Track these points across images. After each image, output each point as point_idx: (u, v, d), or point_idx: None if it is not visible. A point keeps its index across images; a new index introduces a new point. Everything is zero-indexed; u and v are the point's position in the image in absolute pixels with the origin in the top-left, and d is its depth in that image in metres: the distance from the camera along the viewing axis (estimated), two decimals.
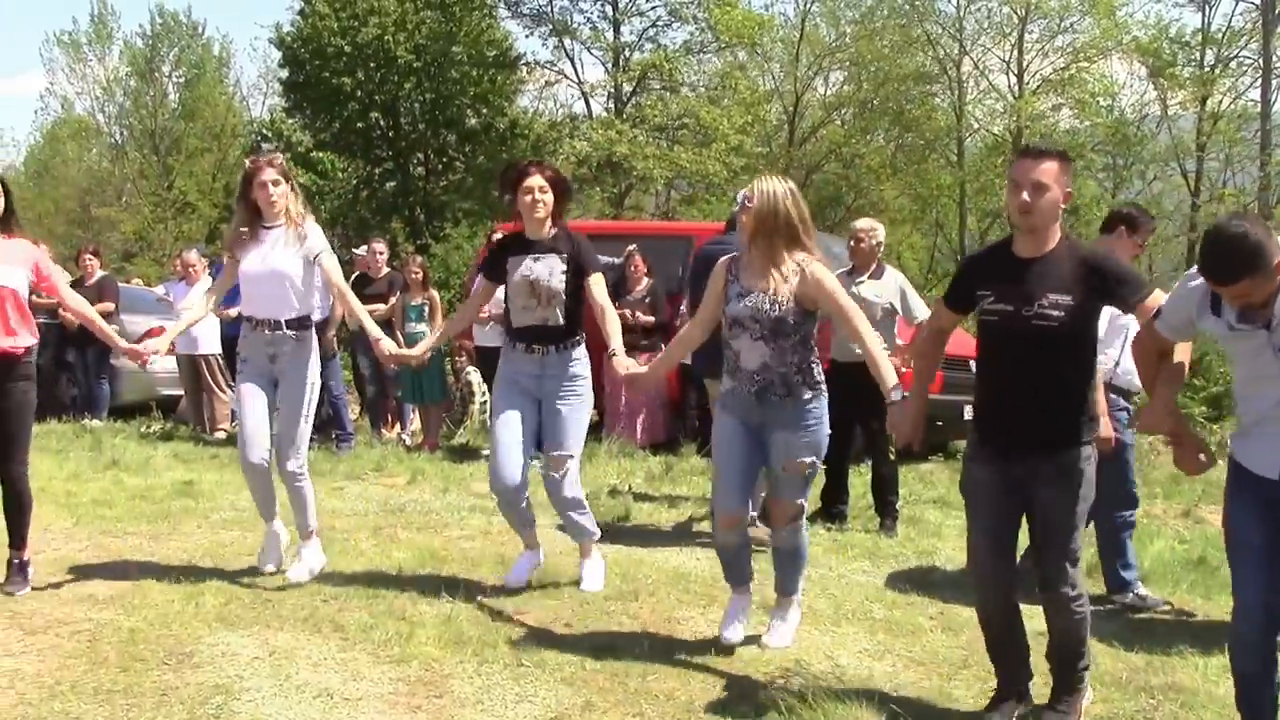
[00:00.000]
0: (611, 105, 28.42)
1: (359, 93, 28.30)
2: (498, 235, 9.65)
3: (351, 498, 7.54)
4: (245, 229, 5.31)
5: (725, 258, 4.59)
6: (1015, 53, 28.53)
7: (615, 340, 5.01)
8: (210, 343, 10.31)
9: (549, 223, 5.18)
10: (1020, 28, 28.13)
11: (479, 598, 5.25)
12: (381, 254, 10.39)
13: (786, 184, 4.37)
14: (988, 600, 3.99)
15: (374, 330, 5.38)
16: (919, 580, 5.83)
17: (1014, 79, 28.88)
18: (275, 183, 5.19)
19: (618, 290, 9.37)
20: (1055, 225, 3.69)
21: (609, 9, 28.36)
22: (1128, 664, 4.67)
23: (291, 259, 5.24)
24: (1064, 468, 3.75)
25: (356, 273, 10.52)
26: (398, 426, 10.72)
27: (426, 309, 9.74)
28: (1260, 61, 24.15)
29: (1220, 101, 26.27)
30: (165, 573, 5.49)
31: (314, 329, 5.43)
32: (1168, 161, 27.88)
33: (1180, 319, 3.54)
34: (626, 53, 28.03)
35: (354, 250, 12.03)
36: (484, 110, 29.66)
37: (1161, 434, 3.75)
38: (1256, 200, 23.35)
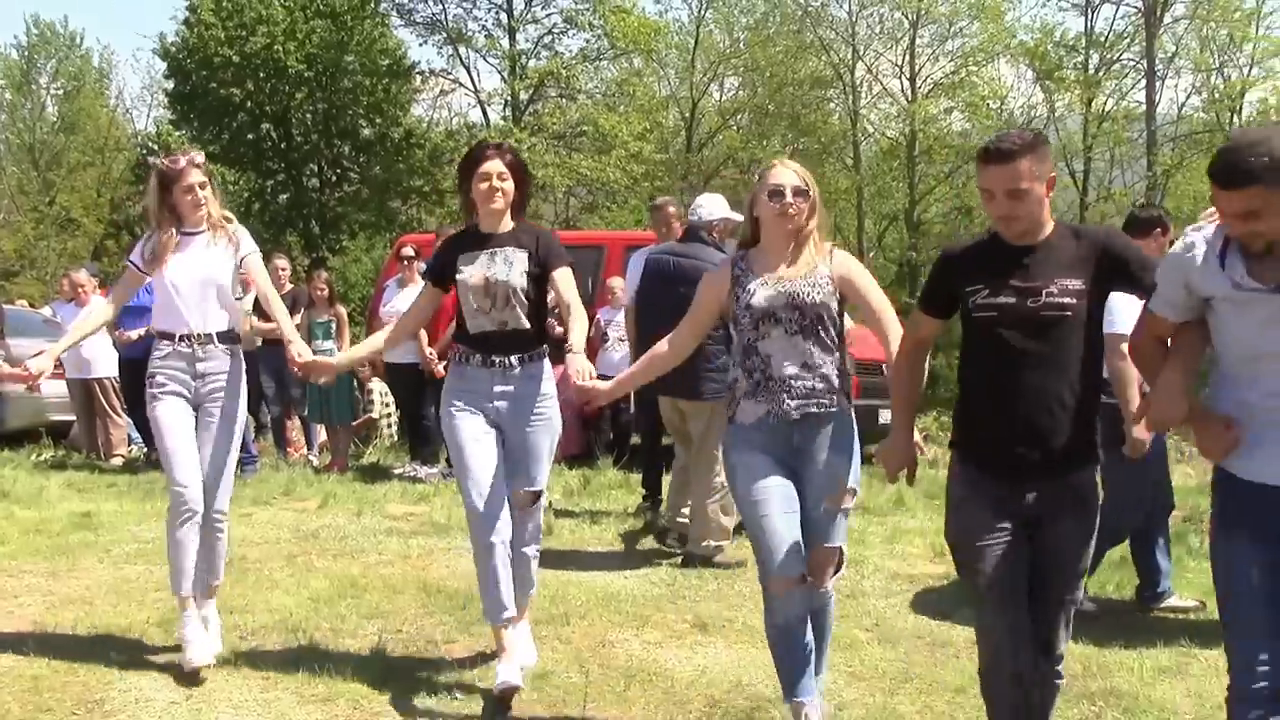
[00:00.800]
0: (509, 113, 28.22)
1: (249, 104, 27.76)
2: (406, 249, 9.52)
3: (261, 524, 7.25)
4: (168, 235, 4.66)
5: (728, 256, 4.00)
6: (908, 57, 28.95)
7: (578, 337, 4.19)
8: (105, 365, 9.89)
9: (508, 214, 4.48)
10: (911, 33, 28.58)
11: (403, 628, 5.06)
12: (284, 270, 10.07)
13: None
14: (1019, 663, 3.23)
15: (291, 334, 4.76)
16: (849, 591, 5.75)
17: (907, 83, 29.30)
18: (201, 185, 4.66)
19: None
20: (1044, 214, 3.22)
21: (504, 17, 28.19)
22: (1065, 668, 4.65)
23: (222, 265, 4.69)
24: (1080, 492, 3.27)
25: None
26: (304, 448, 10.40)
27: (334, 326, 9.44)
28: (1144, 64, 24.80)
29: (1105, 103, 26.97)
30: (67, 613, 5.19)
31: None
32: (1055, 162, 28.49)
33: (1177, 292, 2.98)
34: (523, 60, 27.84)
35: None
36: (378, 120, 29.30)
37: (1175, 425, 3.11)
38: (1144, 199, 23.96)
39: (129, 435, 10.43)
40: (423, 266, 9.55)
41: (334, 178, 30.68)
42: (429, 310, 4.82)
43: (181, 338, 4.64)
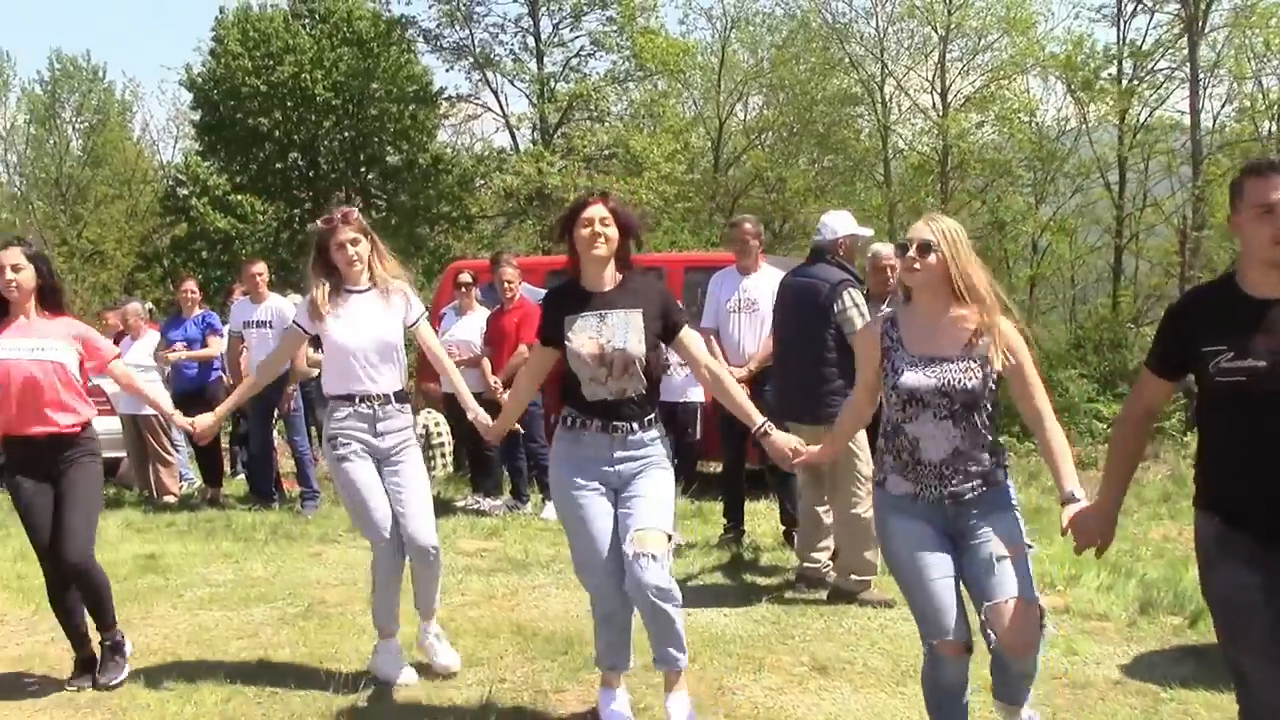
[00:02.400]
0: (537, 137, 28.04)
1: (276, 133, 27.66)
2: (464, 276, 9.26)
3: (334, 564, 6.98)
4: (326, 297, 4.64)
5: (877, 319, 3.74)
6: (938, 72, 28.67)
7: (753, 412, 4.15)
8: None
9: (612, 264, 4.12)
10: (941, 47, 28.28)
11: (506, 677, 4.78)
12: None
13: (955, 222, 3.58)
14: None
15: (469, 401, 4.89)
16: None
17: (938, 98, 29.01)
18: (354, 241, 4.61)
19: None
20: None
21: (531, 40, 28.06)
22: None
23: (392, 325, 4.68)
24: None
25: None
26: None
27: None
28: (1183, 72, 24.47)
29: (1140, 114, 26.62)
30: (148, 666, 4.93)
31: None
32: (1088, 174, 28.16)
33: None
34: (551, 84, 27.67)
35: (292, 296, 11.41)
36: (405, 147, 29.14)
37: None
38: (1187, 209, 23.62)
39: (180, 473, 10.19)
40: (479, 293, 9.34)
41: (361, 205, 30.51)
42: (546, 367, 4.32)
43: (362, 399, 4.63)
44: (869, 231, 6.60)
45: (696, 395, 8.71)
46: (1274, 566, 2.91)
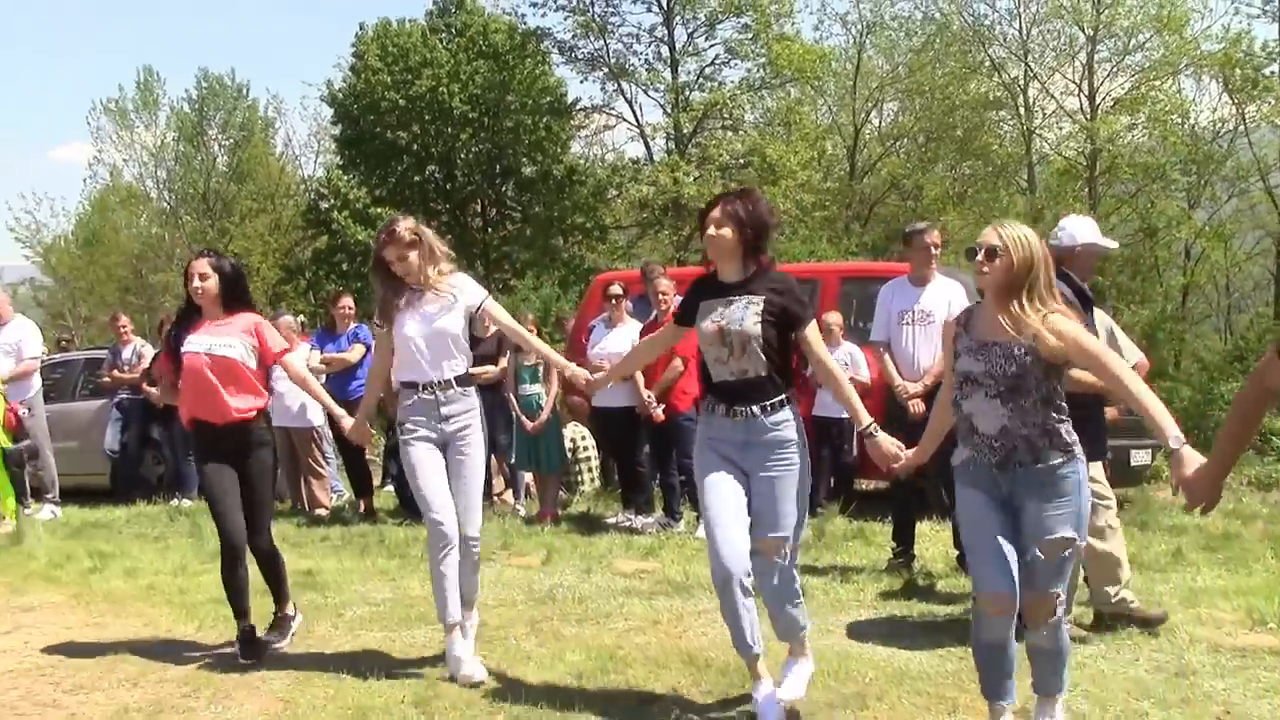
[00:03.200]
0: (671, 146, 27.86)
1: (414, 146, 27.98)
2: (614, 288, 9.05)
3: (490, 583, 6.79)
4: (392, 298, 5.06)
5: (958, 314, 4.11)
6: (1086, 73, 27.71)
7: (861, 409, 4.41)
8: (312, 415, 9.65)
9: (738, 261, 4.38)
10: (1089, 48, 27.34)
11: (687, 713, 4.51)
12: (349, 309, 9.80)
13: (1031, 230, 3.86)
14: None
15: (561, 363, 5.49)
16: (1176, 668, 4.99)
17: (1085, 100, 28.04)
18: (401, 258, 4.98)
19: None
20: None
21: (664, 49, 27.91)
22: None
23: (451, 318, 5.05)
24: None
25: None
26: (509, 495, 10.01)
27: (541, 369, 9.02)
28: None
29: None
30: (316, 690, 4.79)
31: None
32: (1247, 177, 26.92)
33: None
34: (685, 93, 27.45)
35: None
36: (540, 158, 29.22)
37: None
38: None
39: (330, 485, 10.19)
40: (630, 305, 9.13)
41: (497, 217, 30.77)
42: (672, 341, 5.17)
43: (424, 386, 5.03)
44: (1113, 244, 5.97)
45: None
46: None
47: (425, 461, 5.02)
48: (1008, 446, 3.82)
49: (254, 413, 5.38)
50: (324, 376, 9.58)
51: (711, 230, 4.36)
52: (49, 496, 9.95)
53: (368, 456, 10.03)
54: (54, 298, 39.84)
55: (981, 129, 29.36)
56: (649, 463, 8.90)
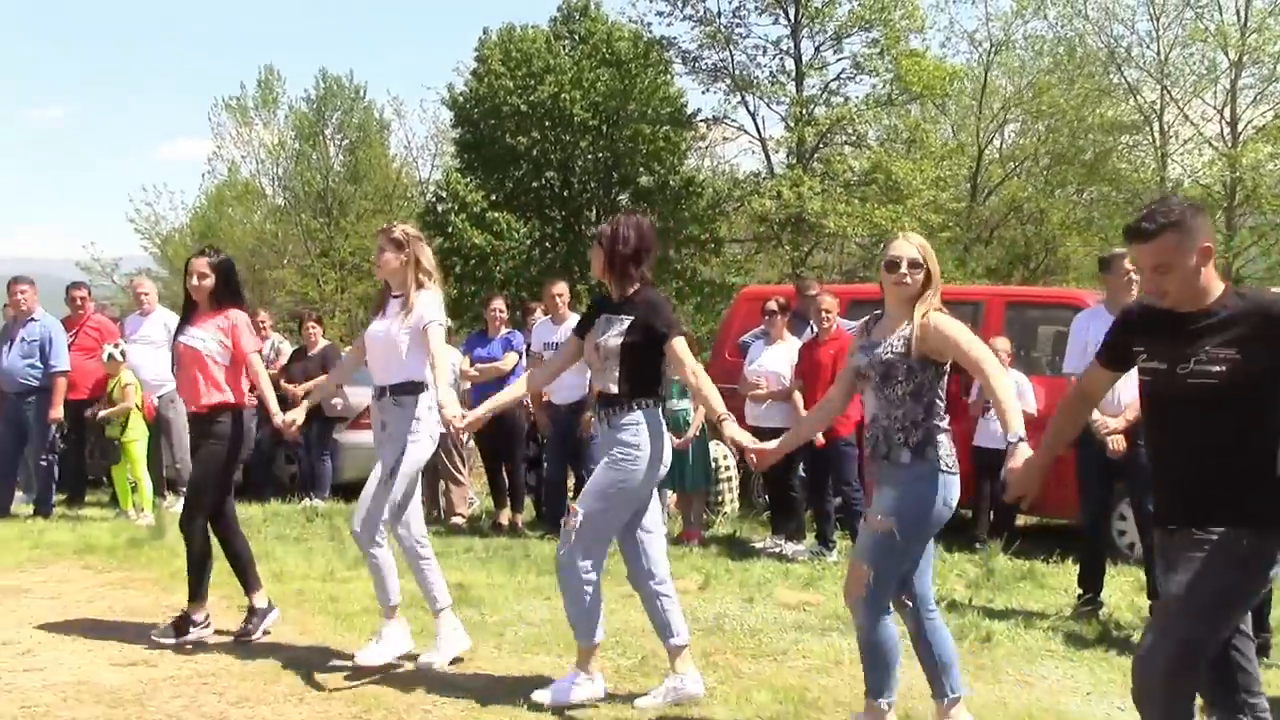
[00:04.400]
0: (792, 160, 27.41)
1: (534, 151, 27.91)
2: (772, 304, 8.69)
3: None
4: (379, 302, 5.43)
5: (865, 319, 4.44)
6: (1228, 99, 26.70)
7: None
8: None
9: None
10: (1233, 73, 26.34)
11: None
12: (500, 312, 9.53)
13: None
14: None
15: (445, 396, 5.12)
16: None
17: (1226, 127, 27.02)
18: (380, 250, 5.28)
19: None
20: (1200, 284, 3.28)
21: (789, 63, 27.49)
22: None
23: (397, 326, 5.22)
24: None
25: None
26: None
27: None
28: None
29: None
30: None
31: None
32: None
33: None
34: (809, 107, 26.99)
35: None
36: (657, 168, 28.99)
37: None
38: None
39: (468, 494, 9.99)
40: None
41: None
42: None
43: (375, 389, 5.31)
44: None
45: None
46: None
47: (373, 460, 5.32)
48: (874, 435, 4.19)
49: (209, 407, 5.69)
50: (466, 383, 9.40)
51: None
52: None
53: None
54: (169, 289, 40.67)
55: (1111, 153, 28.47)
56: (801, 487, 8.54)
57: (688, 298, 28.34)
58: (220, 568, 7.16)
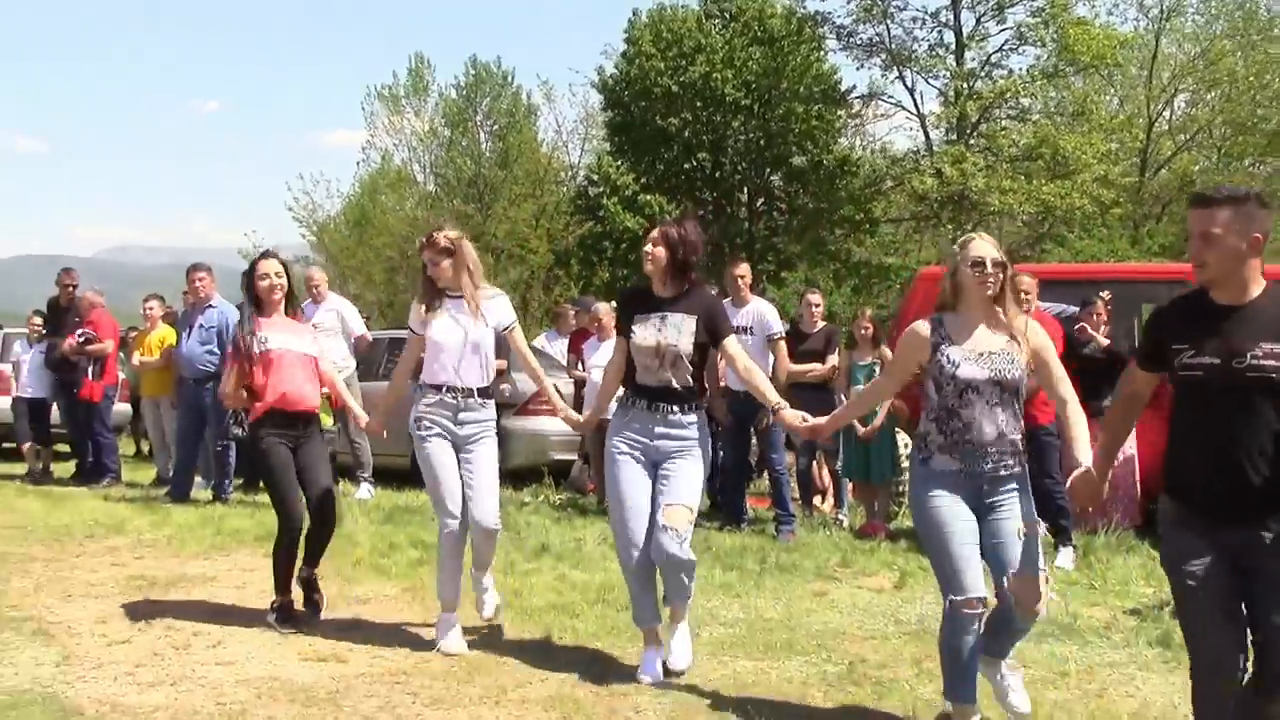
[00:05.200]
0: (951, 137, 26.49)
1: (686, 133, 27.58)
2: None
3: (846, 608, 6.13)
4: (430, 300, 5.38)
5: (924, 321, 4.28)
6: None
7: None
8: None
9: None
10: None
11: None
12: (817, 306, 9.07)
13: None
14: (1224, 683, 3.42)
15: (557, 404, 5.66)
16: None
17: None
18: (434, 263, 5.30)
19: None
20: (1244, 272, 3.36)
21: (947, 35, 26.57)
22: None
23: (479, 329, 5.33)
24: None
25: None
26: (830, 502, 9.34)
27: (878, 368, 8.27)
28: None
29: None
30: None
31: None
32: None
33: None
34: (969, 81, 26.02)
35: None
36: (810, 147, 28.37)
37: None
38: None
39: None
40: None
41: (763, 207, 30.12)
42: None
43: (447, 389, 5.32)
44: None
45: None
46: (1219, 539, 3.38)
47: (441, 461, 5.31)
48: (1000, 453, 4.08)
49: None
50: None
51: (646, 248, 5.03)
52: (364, 476, 9.87)
53: None
54: (327, 274, 41.41)
55: None
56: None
57: (845, 280, 27.71)
58: (402, 558, 7.12)
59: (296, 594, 5.82)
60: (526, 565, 7.04)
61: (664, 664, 4.85)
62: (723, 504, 8.96)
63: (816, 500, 9.43)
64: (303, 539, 5.79)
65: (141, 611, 5.93)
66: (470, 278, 5.34)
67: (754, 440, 9.06)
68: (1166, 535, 3.56)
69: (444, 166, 37.95)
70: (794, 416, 4.83)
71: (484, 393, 5.38)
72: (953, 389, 4.08)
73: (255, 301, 5.86)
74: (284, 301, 5.91)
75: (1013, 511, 4.05)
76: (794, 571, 6.96)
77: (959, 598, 3.98)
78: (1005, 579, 4.05)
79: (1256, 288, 3.36)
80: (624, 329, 5.03)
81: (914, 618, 5.93)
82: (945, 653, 4.10)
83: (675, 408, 4.90)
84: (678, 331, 4.86)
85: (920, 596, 6.39)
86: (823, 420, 4.81)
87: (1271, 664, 3.30)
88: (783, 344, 8.34)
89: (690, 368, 4.90)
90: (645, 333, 4.89)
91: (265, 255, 6.00)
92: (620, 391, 5.08)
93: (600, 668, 5.01)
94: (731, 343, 5.03)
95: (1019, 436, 4.10)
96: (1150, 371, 3.64)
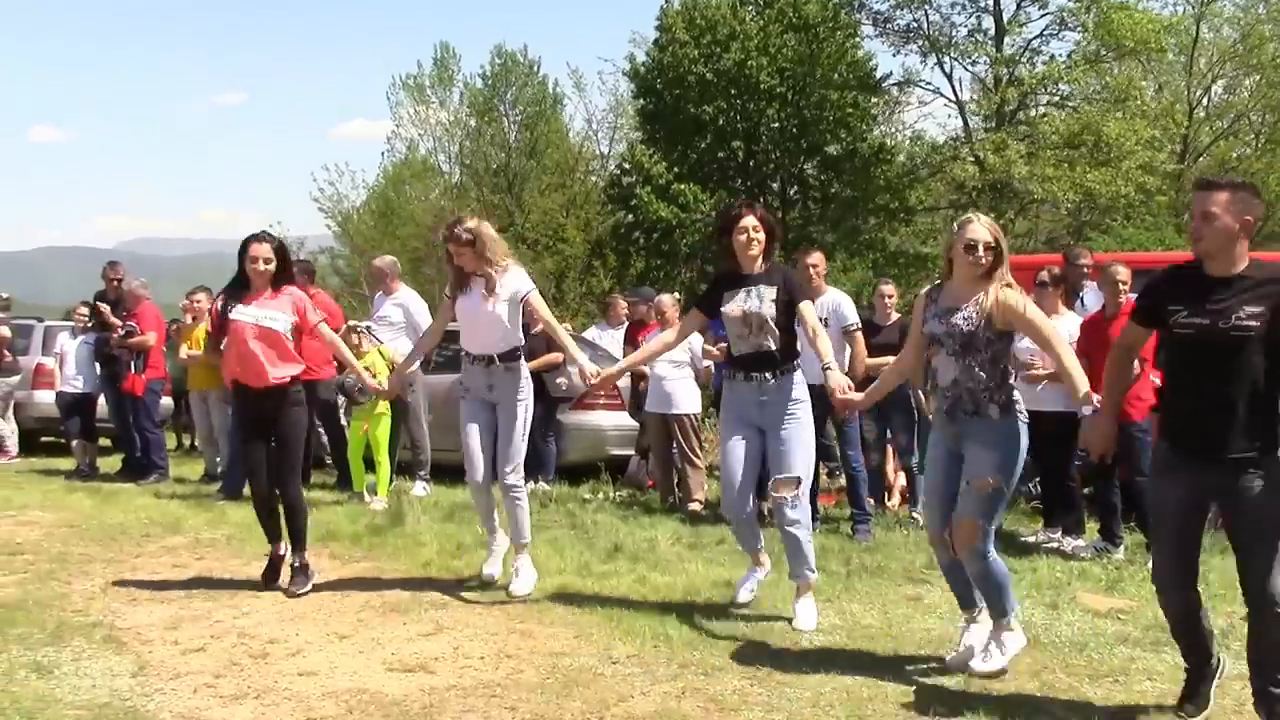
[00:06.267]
0: (990, 125, 26.10)
1: (720, 121, 27.26)
2: (1045, 273, 7.93)
3: (945, 614, 5.82)
4: (459, 278, 5.96)
5: (925, 288, 5.03)
6: None
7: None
8: (688, 401, 8.95)
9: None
10: None
11: None
12: (890, 298, 8.79)
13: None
14: (1171, 603, 4.23)
15: (575, 352, 6.07)
16: None
17: None
18: (459, 254, 5.85)
19: None
20: (1238, 250, 3.91)
21: (986, 20, 26.14)
22: None
23: (496, 303, 5.89)
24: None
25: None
26: (896, 499, 9.06)
27: None
28: None
29: None
30: None
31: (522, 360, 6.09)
32: None
33: None
34: (1009, 67, 25.61)
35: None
36: (845, 135, 28.01)
37: None
38: None
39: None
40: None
41: (797, 195, 29.76)
42: None
43: (475, 358, 6.04)
44: None
45: None
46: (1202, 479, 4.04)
47: (470, 418, 6.05)
48: (957, 397, 4.68)
49: (289, 378, 6.15)
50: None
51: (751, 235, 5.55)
52: (421, 474, 9.64)
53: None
54: (351, 266, 41.18)
55: None
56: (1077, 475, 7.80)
57: (883, 269, 27.34)
58: (475, 559, 6.86)
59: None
60: (601, 567, 6.79)
61: (795, 624, 5.47)
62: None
63: (888, 499, 9.15)
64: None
65: (211, 616, 5.73)
66: (491, 261, 5.88)
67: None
68: (1155, 474, 4.27)
69: (470, 156, 37.73)
70: (841, 380, 5.26)
71: (510, 355, 5.99)
72: (926, 343, 4.77)
73: (243, 280, 6.14)
74: (274, 279, 6.16)
75: (974, 460, 4.61)
76: (881, 574, 6.69)
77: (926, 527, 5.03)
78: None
79: (1242, 263, 3.93)
80: (707, 306, 5.68)
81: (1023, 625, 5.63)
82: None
83: (770, 374, 5.44)
84: (759, 300, 5.42)
85: (1022, 600, 6.06)
86: (859, 395, 5.36)
87: (1250, 587, 3.96)
88: (859, 335, 8.08)
89: (778, 331, 5.41)
90: (734, 304, 5.46)
91: (258, 238, 6.17)
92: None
93: (702, 679, 4.76)
94: (806, 306, 5.48)
95: (980, 386, 4.61)
96: (1146, 327, 4.22)
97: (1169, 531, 4.15)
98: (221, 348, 6.20)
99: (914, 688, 4.66)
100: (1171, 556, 4.16)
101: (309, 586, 6.16)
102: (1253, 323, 3.82)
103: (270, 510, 6.29)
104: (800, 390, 5.50)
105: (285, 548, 6.33)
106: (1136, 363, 7.03)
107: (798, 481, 5.43)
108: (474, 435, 6.04)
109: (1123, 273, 7.22)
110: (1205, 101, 30.20)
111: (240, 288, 6.17)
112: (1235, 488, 3.91)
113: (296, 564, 6.26)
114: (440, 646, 5.25)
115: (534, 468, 10.07)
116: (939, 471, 4.81)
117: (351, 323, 9.40)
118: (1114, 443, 4.37)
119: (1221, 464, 3.91)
